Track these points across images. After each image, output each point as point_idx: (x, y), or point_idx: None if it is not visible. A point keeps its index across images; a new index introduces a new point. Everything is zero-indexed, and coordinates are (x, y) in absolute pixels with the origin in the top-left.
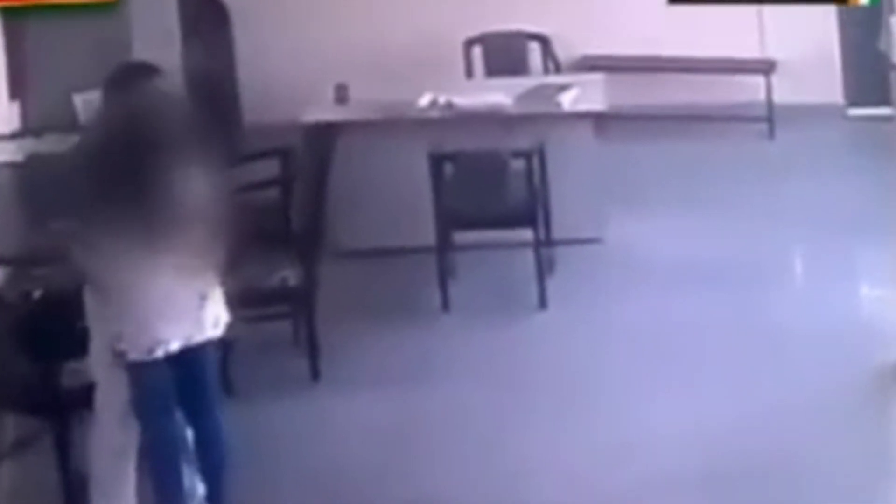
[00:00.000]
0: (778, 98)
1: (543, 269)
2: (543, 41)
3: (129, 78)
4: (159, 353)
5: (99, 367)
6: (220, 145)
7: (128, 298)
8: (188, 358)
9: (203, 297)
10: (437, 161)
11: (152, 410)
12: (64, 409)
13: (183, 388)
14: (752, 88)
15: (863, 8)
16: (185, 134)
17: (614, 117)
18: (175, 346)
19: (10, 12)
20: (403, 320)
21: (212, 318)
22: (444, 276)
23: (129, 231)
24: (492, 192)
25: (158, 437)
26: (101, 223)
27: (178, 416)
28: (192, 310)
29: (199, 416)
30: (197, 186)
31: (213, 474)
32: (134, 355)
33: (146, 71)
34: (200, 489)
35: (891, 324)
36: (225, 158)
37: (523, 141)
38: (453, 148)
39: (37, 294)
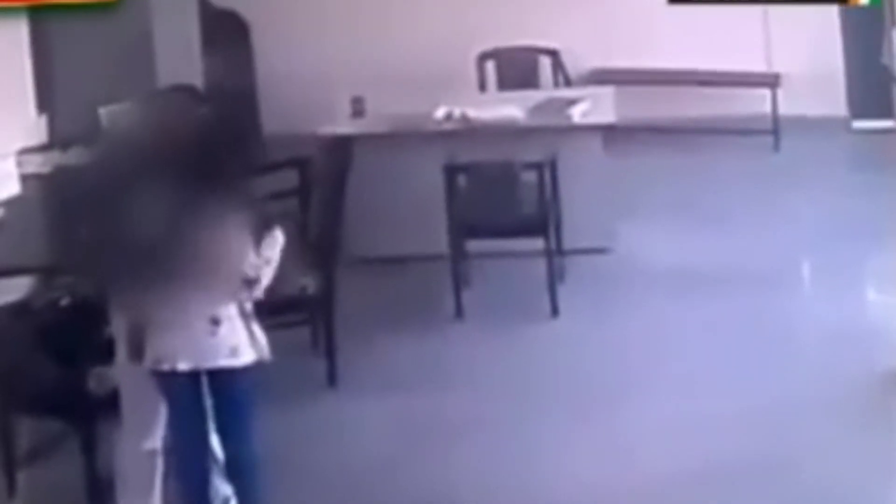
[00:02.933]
0: (783, 111)
1: (555, 278)
2: (554, 55)
3: (166, 96)
4: (168, 366)
5: (124, 372)
6: (239, 157)
7: (141, 310)
8: (216, 378)
9: (215, 322)
10: (451, 172)
11: (176, 418)
12: (90, 414)
13: (215, 403)
14: (757, 101)
15: (866, 21)
16: (205, 147)
17: (623, 130)
18: (183, 365)
19: (34, 11)
20: (418, 327)
21: (228, 346)
22: (458, 283)
23: (140, 244)
24: (504, 203)
25: (183, 445)
26: (115, 235)
27: (208, 424)
28: (203, 334)
29: (228, 433)
30: (210, 207)
31: (241, 490)
32: (147, 364)
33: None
34: (225, 490)
35: None
36: (244, 170)
37: (535, 153)
38: (467, 159)
39: (64, 301)
